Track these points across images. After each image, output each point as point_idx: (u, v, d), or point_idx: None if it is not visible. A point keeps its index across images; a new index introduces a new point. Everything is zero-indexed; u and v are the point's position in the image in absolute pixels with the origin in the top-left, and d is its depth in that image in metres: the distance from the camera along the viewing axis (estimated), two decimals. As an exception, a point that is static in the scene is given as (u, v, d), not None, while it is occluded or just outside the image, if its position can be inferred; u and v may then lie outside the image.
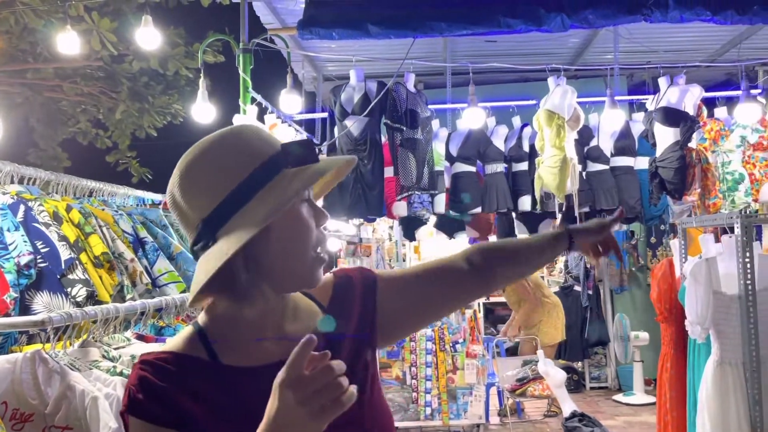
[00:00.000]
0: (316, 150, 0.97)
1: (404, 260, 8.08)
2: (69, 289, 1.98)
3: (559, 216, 5.19)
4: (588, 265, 7.18)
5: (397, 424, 4.80)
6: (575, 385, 6.84)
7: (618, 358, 6.56)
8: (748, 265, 2.83)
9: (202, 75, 4.38)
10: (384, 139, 4.61)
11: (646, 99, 4.96)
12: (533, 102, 4.97)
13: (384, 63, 6.01)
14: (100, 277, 2.13)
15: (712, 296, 2.91)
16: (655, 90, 4.71)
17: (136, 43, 4.96)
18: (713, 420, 2.87)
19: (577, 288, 7.15)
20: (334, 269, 1.19)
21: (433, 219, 5.54)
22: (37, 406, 1.63)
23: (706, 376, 2.95)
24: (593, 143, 5.06)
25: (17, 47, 6.83)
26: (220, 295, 0.98)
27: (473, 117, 4.81)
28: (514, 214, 5.56)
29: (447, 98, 5.83)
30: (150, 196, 3.25)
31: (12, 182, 2.30)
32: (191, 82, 7.62)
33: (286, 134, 4.43)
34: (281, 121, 4.67)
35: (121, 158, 8.49)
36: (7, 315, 1.81)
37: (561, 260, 8.09)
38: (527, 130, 5.12)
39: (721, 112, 4.66)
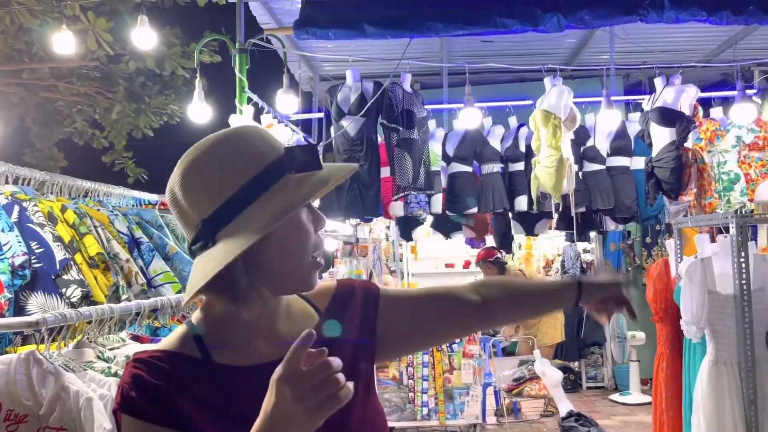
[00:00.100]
0: (319, 155, 0.97)
1: (401, 260, 8.09)
2: (64, 290, 1.98)
3: (555, 216, 5.20)
4: (584, 265, 7.20)
5: (393, 424, 4.79)
6: (572, 384, 6.85)
7: (615, 358, 6.57)
8: (743, 265, 2.84)
9: (198, 75, 4.37)
10: (380, 139, 4.61)
11: (642, 99, 4.97)
12: (529, 102, 4.98)
13: (380, 63, 6.01)
14: (95, 278, 2.13)
15: (707, 296, 2.91)
16: (651, 90, 4.72)
17: (133, 43, 4.95)
18: (708, 419, 2.88)
19: (574, 288, 7.14)
20: (340, 278, 1.19)
21: (429, 219, 5.55)
22: (31, 407, 1.62)
23: (702, 375, 2.95)
24: (589, 143, 5.07)
25: (13, 47, 6.82)
26: (215, 296, 0.98)
27: (469, 117, 4.82)
28: (510, 214, 5.57)
29: (443, 98, 5.84)
30: (146, 196, 3.25)
31: (7, 182, 2.30)
32: (188, 82, 7.61)
33: (282, 134, 4.42)
34: (278, 121, 4.67)
35: (118, 158, 8.48)
36: (2, 316, 1.81)
37: (558, 260, 8.10)
38: (523, 130, 5.13)
39: (716, 112, 4.67)
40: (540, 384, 6.02)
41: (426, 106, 4.81)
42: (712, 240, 3.27)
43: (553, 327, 6.15)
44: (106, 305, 1.83)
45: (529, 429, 5.66)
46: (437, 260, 8.97)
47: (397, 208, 4.69)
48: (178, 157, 0.99)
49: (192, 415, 0.91)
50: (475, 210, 5.12)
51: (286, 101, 4.48)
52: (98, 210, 2.42)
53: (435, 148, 5.02)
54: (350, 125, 4.39)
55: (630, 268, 7.28)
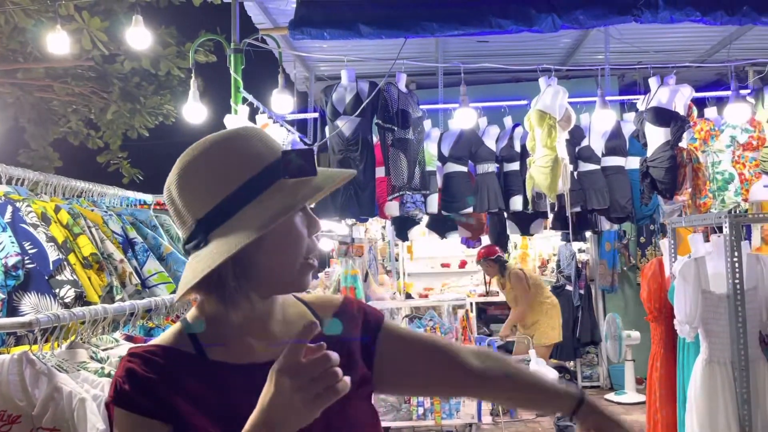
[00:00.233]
0: (315, 160, 0.98)
1: (397, 260, 8.09)
2: (57, 290, 1.97)
3: (550, 216, 5.21)
4: (579, 265, 7.21)
5: (389, 424, 4.80)
6: (567, 384, 6.86)
7: (610, 358, 6.58)
8: (737, 265, 2.85)
9: (193, 75, 4.36)
10: (375, 139, 4.61)
11: (637, 99, 4.99)
12: (525, 102, 4.99)
13: (376, 63, 6.01)
14: (89, 278, 2.12)
15: (700, 295, 2.92)
16: (646, 90, 4.74)
17: (127, 43, 4.94)
18: (702, 419, 2.89)
19: (569, 288, 7.17)
20: (347, 296, 1.19)
21: (425, 219, 5.55)
22: (24, 407, 1.62)
23: (695, 374, 2.96)
24: (584, 143, 5.08)
25: (7, 47, 6.79)
26: (207, 296, 0.99)
27: (465, 117, 4.82)
28: (505, 214, 5.58)
29: (439, 98, 5.84)
30: (140, 196, 3.24)
31: (0, 183, 2.29)
32: (183, 82, 7.60)
33: (277, 135, 4.42)
34: (273, 121, 4.66)
35: (113, 159, 8.46)
36: (-5, 316, 1.81)
37: (553, 260, 8.12)
38: (519, 130, 5.14)
39: (711, 112, 4.69)
40: (535, 383, 6.00)
41: (421, 106, 4.82)
42: (707, 240, 3.28)
43: (552, 327, 6.15)
44: (99, 306, 1.83)
45: (524, 428, 5.67)
46: (433, 260, 8.97)
47: (392, 208, 4.69)
48: (174, 158, 1.01)
49: (184, 410, 0.91)
50: (469, 209, 5.13)
51: (282, 101, 4.47)
52: (92, 210, 2.41)
53: (431, 148, 5.03)
54: (345, 125, 4.39)
55: (625, 268, 7.30)
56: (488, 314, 8.38)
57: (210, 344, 0.98)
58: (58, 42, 4.57)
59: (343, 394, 0.82)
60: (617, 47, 5.95)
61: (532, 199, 4.77)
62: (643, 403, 5.48)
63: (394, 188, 4.47)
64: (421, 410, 4.80)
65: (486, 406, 5.48)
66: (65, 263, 2.03)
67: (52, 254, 2.01)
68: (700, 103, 4.88)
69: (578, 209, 4.99)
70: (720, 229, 2.99)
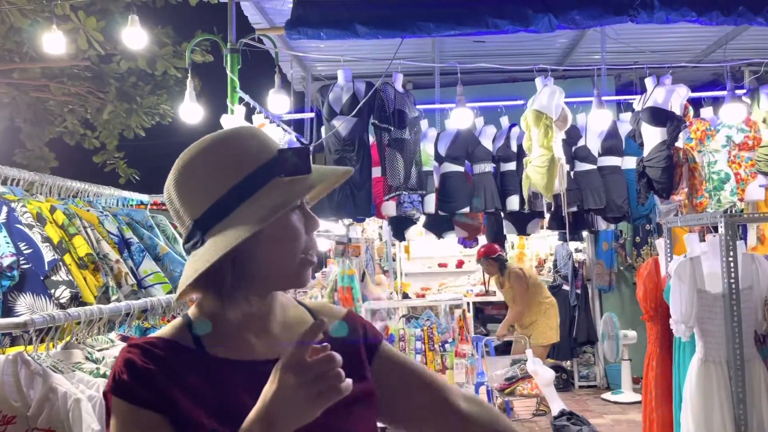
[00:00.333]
0: (311, 159, 0.98)
1: (394, 259, 8.09)
2: (52, 291, 1.97)
3: (547, 216, 5.21)
4: (576, 265, 7.22)
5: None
6: (564, 383, 6.87)
7: (607, 357, 6.59)
8: (732, 265, 2.86)
9: (189, 75, 4.36)
10: (372, 139, 4.61)
11: (634, 99, 4.99)
12: (521, 102, 4.99)
13: (372, 63, 6.01)
14: (85, 279, 2.12)
15: (696, 295, 2.93)
16: (642, 90, 4.74)
17: (124, 42, 4.93)
18: (697, 418, 2.90)
19: (566, 287, 7.18)
20: (349, 309, 1.19)
21: (422, 219, 5.55)
22: (19, 408, 1.62)
23: (691, 374, 2.97)
24: (581, 143, 5.09)
25: (3, 47, 6.78)
26: (206, 293, 1.00)
27: (461, 117, 4.82)
28: (502, 214, 5.58)
29: (436, 98, 5.85)
30: (136, 196, 3.24)
31: (-5, 183, 2.29)
32: (180, 82, 7.58)
33: (274, 135, 4.42)
34: (269, 121, 4.66)
35: (109, 159, 8.44)
36: (-11, 317, 1.80)
37: (550, 259, 8.13)
38: (515, 130, 5.14)
39: (707, 112, 4.70)
40: (532, 383, 6.04)
41: (418, 106, 4.82)
42: (703, 239, 3.29)
43: (549, 327, 6.16)
44: (95, 306, 1.83)
45: (521, 428, 5.68)
46: (430, 260, 8.97)
47: (389, 208, 4.69)
48: (171, 158, 1.02)
49: (181, 402, 0.92)
50: (466, 209, 5.13)
51: (278, 101, 4.47)
52: (88, 210, 2.41)
53: (427, 148, 5.03)
54: (342, 125, 4.39)
55: (621, 267, 7.31)
56: (485, 314, 8.39)
57: (208, 340, 0.99)
58: (54, 42, 4.56)
59: (345, 395, 0.83)
60: (613, 47, 5.96)
61: (529, 199, 4.78)
62: (640, 402, 5.49)
63: (390, 188, 4.47)
64: (418, 410, 4.79)
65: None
66: (60, 264, 2.03)
67: (48, 255, 2.01)
68: (696, 103, 4.88)
69: (575, 209, 4.99)
70: (715, 229, 3.00)
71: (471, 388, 4.88)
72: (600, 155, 5.11)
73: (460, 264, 8.88)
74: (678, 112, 4.50)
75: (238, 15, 4.68)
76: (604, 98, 4.77)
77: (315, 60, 6.39)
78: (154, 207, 3.43)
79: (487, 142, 5.17)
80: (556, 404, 5.42)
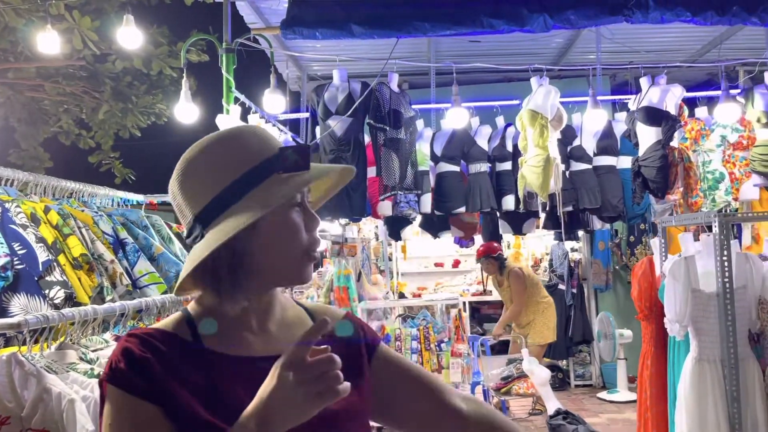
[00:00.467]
0: (310, 157, 1.00)
1: (390, 259, 8.10)
2: (47, 291, 1.96)
3: (542, 215, 5.22)
4: (572, 264, 7.23)
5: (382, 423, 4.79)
6: (560, 383, 6.88)
7: (603, 357, 6.61)
8: (726, 264, 2.87)
9: (185, 75, 4.35)
10: (367, 139, 4.61)
11: (629, 99, 5.01)
12: (517, 102, 5.00)
13: (368, 63, 6.01)
14: (79, 279, 2.11)
15: (690, 294, 2.94)
16: (637, 90, 4.76)
17: (119, 42, 4.92)
18: (691, 417, 2.90)
19: (562, 287, 7.20)
20: (348, 312, 1.20)
21: (418, 218, 5.55)
22: (13, 409, 1.61)
23: (685, 373, 2.98)
24: (576, 143, 5.10)
25: (-2, 46, 6.76)
26: (205, 287, 1.01)
27: (457, 117, 4.83)
28: (498, 214, 5.59)
29: (431, 98, 5.85)
30: (132, 196, 3.23)
31: (-11, 183, 2.28)
32: (175, 81, 7.57)
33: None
34: (265, 121, 4.66)
35: (104, 159, 8.42)
36: (-17, 317, 1.79)
37: (546, 259, 8.14)
38: (511, 130, 5.15)
39: (701, 111, 4.72)
40: (528, 382, 6.04)
41: (414, 106, 4.82)
42: (697, 239, 3.30)
43: (547, 327, 6.16)
44: (89, 306, 1.83)
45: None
46: (427, 259, 8.98)
47: (385, 207, 4.70)
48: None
49: (177, 393, 0.92)
50: (462, 209, 5.13)
51: (274, 101, 4.47)
52: (82, 211, 2.40)
53: (423, 148, 5.03)
54: (337, 125, 4.39)
55: (617, 267, 7.33)
56: (481, 313, 8.40)
57: (207, 334, 1.00)
58: (48, 41, 4.54)
59: (343, 396, 0.84)
60: (609, 47, 5.97)
61: (524, 198, 4.79)
62: (635, 401, 5.51)
63: (386, 188, 4.47)
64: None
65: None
66: (55, 264, 2.02)
67: (42, 255, 2.00)
68: (691, 103, 4.90)
69: (570, 208, 5.00)
70: (710, 228, 3.01)
71: (467, 388, 4.89)
72: (595, 155, 5.12)
73: (456, 264, 8.90)
74: (673, 111, 4.52)
75: (234, 15, 4.68)
76: (599, 98, 4.78)
77: (311, 60, 6.38)
78: (149, 207, 3.42)
79: (482, 142, 5.18)
80: (552, 403, 5.43)
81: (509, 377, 6.45)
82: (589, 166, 5.08)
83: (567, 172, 4.99)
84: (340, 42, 5.18)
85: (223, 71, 4.28)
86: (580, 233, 6.75)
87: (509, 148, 5.13)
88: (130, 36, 4.38)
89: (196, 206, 0.99)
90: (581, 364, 7.20)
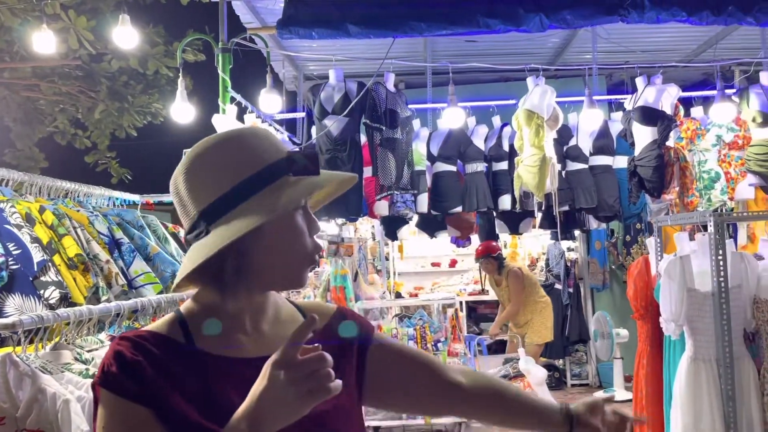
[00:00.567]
0: (319, 162, 1.01)
1: (387, 259, 8.10)
2: (42, 291, 1.96)
3: (538, 215, 5.23)
4: (568, 264, 7.25)
5: (379, 423, 4.80)
6: (556, 382, 6.89)
7: (600, 356, 6.62)
8: (721, 263, 2.87)
9: (180, 74, 4.34)
10: (363, 139, 4.61)
11: (625, 98, 5.01)
12: (513, 102, 5.00)
13: (364, 62, 6.01)
14: (74, 279, 2.11)
15: (685, 293, 2.94)
16: (634, 90, 4.76)
17: (115, 42, 4.91)
18: (687, 415, 2.91)
19: (558, 286, 7.20)
20: (339, 305, 1.20)
21: (414, 218, 5.56)
22: (8, 409, 1.61)
23: (680, 372, 2.99)
24: (572, 142, 5.11)
25: (-7, 46, 6.74)
26: (205, 285, 1.01)
27: (453, 117, 4.83)
28: (494, 213, 5.60)
29: (427, 98, 5.85)
30: (127, 196, 3.23)
31: (-16, 183, 2.27)
32: (171, 81, 7.55)
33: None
34: (261, 120, 4.66)
35: (101, 158, 8.39)
36: (-22, 318, 1.79)
37: (542, 258, 8.15)
38: (507, 130, 5.16)
39: (697, 111, 4.72)
40: (525, 382, 6.03)
41: (410, 106, 4.82)
42: (693, 238, 3.31)
43: (545, 326, 6.17)
44: (84, 307, 1.82)
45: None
46: (424, 259, 8.99)
47: (381, 207, 4.70)
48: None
49: (169, 396, 0.92)
50: (458, 209, 5.14)
51: (270, 101, 4.47)
52: (78, 211, 2.40)
53: (420, 148, 5.03)
54: (334, 125, 4.39)
55: (613, 266, 7.34)
56: (478, 313, 8.41)
57: (199, 335, 0.99)
58: (44, 41, 4.53)
59: (335, 394, 0.84)
60: (605, 47, 5.98)
61: (520, 198, 4.79)
62: (632, 400, 5.52)
63: (382, 188, 4.47)
64: (410, 409, 4.80)
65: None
66: (50, 264, 2.02)
67: (37, 255, 2.00)
68: (687, 103, 4.91)
69: (566, 208, 5.01)
70: (705, 228, 3.02)
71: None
72: (591, 154, 5.13)
73: (453, 263, 8.90)
74: (669, 111, 4.52)
75: (230, 14, 4.67)
76: (595, 98, 4.79)
77: (307, 59, 6.38)
78: (145, 207, 3.42)
79: (479, 142, 5.18)
80: (549, 402, 5.43)
81: (506, 377, 6.44)
82: (585, 166, 5.09)
83: (563, 172, 5.00)
84: (337, 42, 5.18)
85: (220, 71, 4.28)
86: (577, 233, 6.76)
87: (506, 147, 5.14)
88: (125, 35, 4.38)
89: (201, 202, 0.98)
90: (578, 364, 7.22)
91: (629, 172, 4.68)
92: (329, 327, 1.11)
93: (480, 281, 7.51)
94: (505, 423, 1.21)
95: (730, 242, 3.24)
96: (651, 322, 3.37)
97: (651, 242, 3.57)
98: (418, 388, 1.15)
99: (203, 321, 1.00)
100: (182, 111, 4.25)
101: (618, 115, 5.20)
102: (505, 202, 5.13)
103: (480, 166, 5.13)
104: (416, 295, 7.71)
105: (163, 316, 2.33)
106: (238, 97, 4.34)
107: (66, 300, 1.99)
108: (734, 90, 4.74)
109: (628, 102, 4.78)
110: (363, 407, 1.13)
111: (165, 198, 3.52)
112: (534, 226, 5.83)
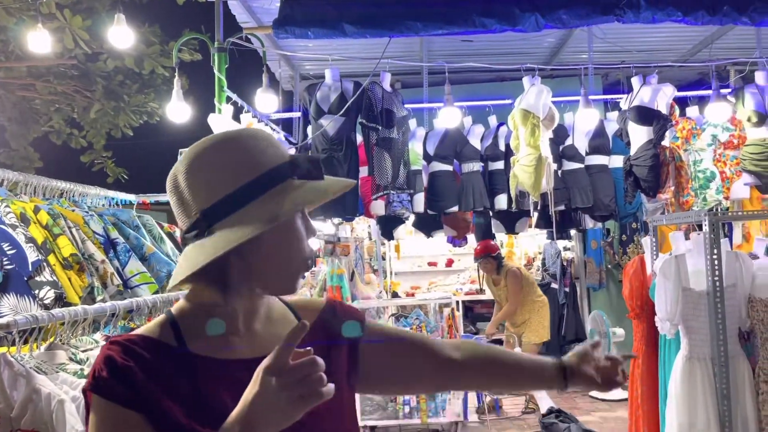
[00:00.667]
0: (322, 167, 1.01)
1: (384, 258, 8.10)
2: (36, 291, 1.96)
3: (534, 214, 5.24)
4: (564, 263, 7.26)
5: (375, 423, 4.80)
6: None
7: (595, 355, 6.61)
8: (716, 262, 2.88)
9: (176, 74, 4.33)
10: (359, 138, 4.61)
11: (620, 98, 5.03)
12: (509, 101, 5.01)
13: (360, 62, 6.01)
14: (69, 279, 2.11)
15: (681, 293, 2.95)
16: (629, 89, 4.78)
17: (110, 41, 4.89)
18: (682, 414, 2.92)
19: (554, 285, 7.21)
20: (330, 298, 1.21)
21: (411, 218, 5.56)
22: (2, 409, 1.61)
23: (676, 371, 2.99)
24: (568, 142, 5.11)
25: (-12, 45, 6.71)
26: (202, 285, 1.01)
27: (449, 116, 4.84)
28: (491, 213, 5.61)
29: (424, 97, 5.85)
30: (123, 196, 3.22)
31: (-22, 183, 2.27)
32: (167, 80, 7.53)
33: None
34: (257, 120, 4.65)
35: (97, 158, 8.37)
36: (-28, 318, 1.78)
37: (539, 258, 8.17)
38: (503, 129, 5.16)
39: (692, 111, 4.74)
40: (521, 381, 6.02)
41: (406, 105, 4.82)
42: (688, 237, 3.32)
43: (542, 326, 6.17)
44: (79, 306, 1.82)
45: (510, 426, 5.70)
46: (420, 259, 8.99)
47: (378, 207, 4.70)
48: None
49: (161, 400, 0.92)
50: (455, 208, 5.14)
51: (266, 100, 4.46)
52: (73, 210, 2.40)
53: (416, 148, 5.04)
54: (330, 124, 4.39)
55: (610, 266, 7.36)
56: (474, 312, 8.41)
57: (191, 337, 0.99)
58: (39, 40, 4.52)
59: (327, 399, 0.84)
60: (600, 47, 5.99)
61: (516, 197, 4.80)
62: (627, 399, 5.54)
63: (379, 187, 4.47)
64: (407, 409, 4.80)
65: (472, 405, 5.50)
66: (45, 264, 2.01)
67: (31, 255, 1.99)
68: (682, 102, 4.93)
69: (562, 207, 5.02)
70: (700, 227, 3.02)
71: (460, 387, 4.90)
72: (587, 154, 5.14)
73: (449, 263, 8.91)
74: (664, 111, 4.54)
75: (226, 14, 4.67)
76: (591, 97, 4.80)
77: (303, 59, 6.38)
78: (140, 207, 3.41)
79: (475, 141, 5.19)
80: (545, 402, 5.44)
81: (502, 376, 6.44)
82: (581, 166, 5.10)
83: (559, 172, 5.00)
84: (333, 41, 5.18)
85: (215, 70, 4.27)
86: (573, 232, 6.76)
87: (502, 147, 5.14)
88: (121, 35, 4.37)
89: (204, 201, 0.96)
90: (574, 363, 7.22)
91: (625, 171, 4.69)
92: (320, 321, 1.11)
93: (478, 281, 7.51)
94: (503, 388, 1.28)
95: (725, 241, 3.25)
96: (646, 322, 3.38)
97: (646, 241, 3.58)
98: (414, 371, 1.17)
99: (195, 322, 1.00)
100: (178, 110, 4.24)
101: (614, 115, 5.21)
102: (501, 201, 5.13)
103: (476, 166, 5.14)
104: (413, 295, 7.71)
105: (159, 315, 2.33)
106: (234, 97, 4.34)
107: (61, 300, 1.98)
108: (729, 90, 4.76)
109: (624, 101, 4.79)
110: (357, 405, 1.14)
111: (161, 198, 3.51)
112: (530, 226, 5.83)
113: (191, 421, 0.92)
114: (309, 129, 4.61)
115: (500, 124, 5.22)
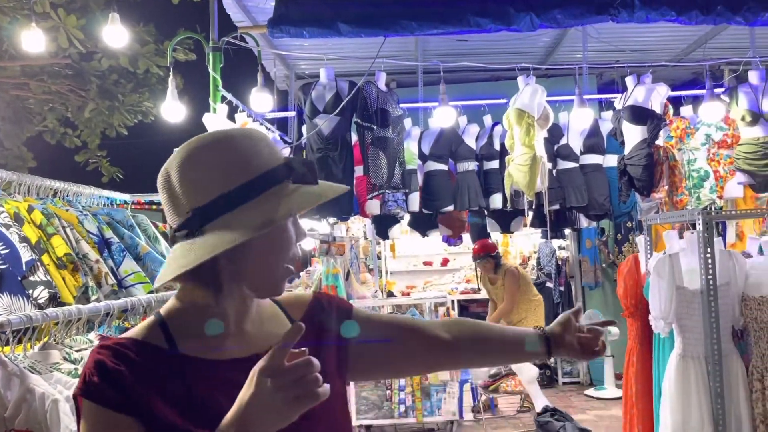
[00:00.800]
0: (317, 171, 1.01)
1: (379, 258, 8.10)
2: (30, 291, 1.95)
3: (529, 214, 5.25)
4: (559, 262, 7.27)
5: (371, 422, 4.81)
6: (548, 380, 6.92)
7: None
8: (710, 261, 2.90)
9: (171, 73, 4.33)
10: (354, 138, 4.61)
11: (615, 98, 5.04)
12: (504, 101, 5.01)
13: (355, 61, 6.00)
14: (63, 279, 2.10)
15: (674, 291, 2.97)
16: (624, 89, 4.79)
17: (104, 41, 4.88)
18: (676, 412, 2.93)
19: (549, 284, 7.23)
20: (315, 291, 1.21)
21: (406, 217, 5.56)
22: (-4, 410, 1.60)
23: (670, 369, 3.01)
24: (563, 141, 5.12)
25: (-18, 45, 6.68)
26: (191, 285, 1.00)
27: (445, 116, 4.84)
28: (486, 212, 5.62)
29: (419, 97, 5.85)
30: (118, 195, 3.22)
31: (-29, 183, 2.26)
32: (162, 80, 7.53)
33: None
34: (252, 119, 4.65)
35: (91, 157, 8.35)
36: (-34, 318, 1.78)
37: (534, 257, 8.19)
38: (498, 129, 5.17)
39: (686, 110, 4.75)
40: (516, 380, 6.08)
41: (401, 105, 4.82)
42: (682, 236, 3.33)
43: (540, 325, 6.18)
44: (73, 306, 1.82)
45: (505, 425, 5.71)
46: (415, 258, 9.00)
47: (373, 206, 4.70)
48: (154, 156, 1.02)
49: (152, 403, 0.91)
50: (450, 207, 5.15)
51: (261, 100, 4.46)
52: (67, 210, 2.39)
53: (411, 147, 5.04)
54: (325, 124, 4.39)
55: (604, 264, 7.38)
56: (470, 311, 8.42)
57: (181, 338, 0.98)
58: (33, 40, 4.50)
59: (323, 400, 0.84)
60: (595, 46, 6.00)
61: (511, 197, 4.81)
62: (622, 398, 5.55)
63: (374, 187, 4.47)
64: (402, 408, 4.81)
65: (467, 403, 5.51)
66: (38, 264, 2.01)
67: (25, 255, 1.99)
68: (676, 102, 4.94)
69: (557, 207, 5.03)
70: (694, 226, 3.04)
71: (455, 385, 4.91)
72: (582, 153, 5.15)
73: (445, 262, 8.92)
74: (658, 110, 4.55)
75: (221, 13, 4.66)
76: (585, 97, 4.81)
77: (298, 58, 6.37)
78: (135, 207, 3.41)
79: (470, 141, 5.19)
80: (540, 401, 5.46)
81: (497, 375, 6.48)
82: (576, 165, 5.11)
83: (554, 171, 5.02)
84: (328, 41, 5.18)
85: (210, 70, 4.27)
86: (567, 231, 6.78)
87: (497, 146, 5.15)
88: (115, 34, 4.36)
89: (197, 199, 0.95)
90: (569, 362, 7.24)
91: (619, 170, 4.70)
92: (309, 315, 1.11)
93: (476, 279, 7.52)
94: (492, 363, 1.33)
95: (719, 240, 3.26)
96: (640, 320, 3.39)
97: (641, 240, 3.59)
98: (405, 354, 1.19)
99: (185, 323, 0.99)
100: (173, 110, 4.23)
101: (608, 114, 5.22)
102: (496, 200, 5.14)
103: (471, 165, 5.15)
104: (408, 294, 7.71)
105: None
106: (229, 96, 4.34)
107: (55, 300, 1.98)
108: (723, 89, 4.77)
109: (618, 101, 4.80)
110: (352, 404, 1.14)
111: (156, 197, 3.51)
112: (525, 225, 5.85)
113: (185, 422, 0.91)
114: (304, 128, 4.61)
115: (495, 124, 5.23)
